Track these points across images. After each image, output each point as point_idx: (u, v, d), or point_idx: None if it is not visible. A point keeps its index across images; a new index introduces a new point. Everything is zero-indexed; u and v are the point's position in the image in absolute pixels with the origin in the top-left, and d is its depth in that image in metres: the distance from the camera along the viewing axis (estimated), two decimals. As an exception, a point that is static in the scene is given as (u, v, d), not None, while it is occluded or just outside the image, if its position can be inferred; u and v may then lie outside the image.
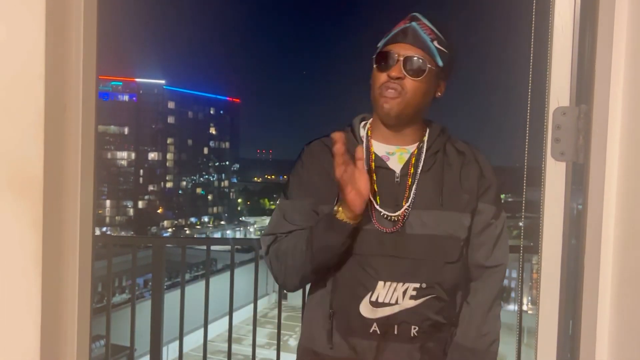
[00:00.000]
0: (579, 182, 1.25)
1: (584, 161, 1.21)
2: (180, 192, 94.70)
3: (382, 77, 1.44)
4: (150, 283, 3.78)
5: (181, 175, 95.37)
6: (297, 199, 1.57)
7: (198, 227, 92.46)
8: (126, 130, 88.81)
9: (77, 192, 1.22)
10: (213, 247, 4.02)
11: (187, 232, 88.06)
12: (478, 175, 1.54)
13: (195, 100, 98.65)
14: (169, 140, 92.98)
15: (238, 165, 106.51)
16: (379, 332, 1.46)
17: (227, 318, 3.51)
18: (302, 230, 1.51)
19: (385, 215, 1.46)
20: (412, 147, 1.54)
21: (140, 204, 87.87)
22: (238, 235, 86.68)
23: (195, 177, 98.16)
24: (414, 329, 1.46)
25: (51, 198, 1.14)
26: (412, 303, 1.45)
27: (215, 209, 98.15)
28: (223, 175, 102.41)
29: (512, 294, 27.79)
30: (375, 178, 1.49)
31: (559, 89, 1.25)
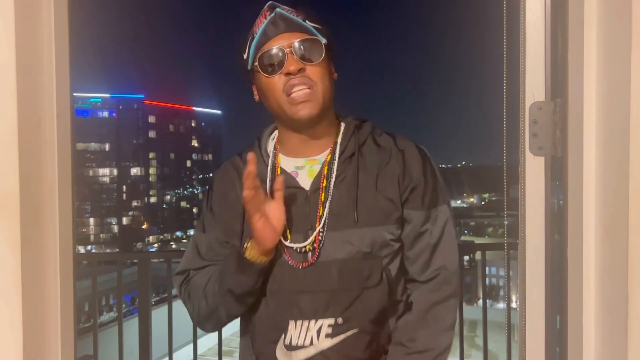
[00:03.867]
0: (558, 176, 1.25)
1: (562, 154, 1.22)
2: (164, 206, 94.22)
3: (277, 80, 1.24)
4: (137, 300, 3.74)
5: (165, 189, 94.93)
6: (209, 231, 1.41)
7: (184, 240, 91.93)
8: (107, 146, 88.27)
9: (56, 208, 1.20)
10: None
11: (174, 246, 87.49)
12: (399, 173, 1.31)
13: (175, 113, 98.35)
14: (151, 155, 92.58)
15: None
16: None
17: (217, 332, 3.47)
18: (214, 267, 1.37)
19: (297, 248, 1.27)
20: (324, 155, 1.33)
21: (125, 221, 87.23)
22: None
23: (179, 191, 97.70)
24: None
25: (28, 215, 1.12)
26: (329, 343, 1.25)
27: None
28: (207, 187, 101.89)
29: (501, 292, 27.93)
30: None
31: (534, 84, 1.26)
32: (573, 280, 1.17)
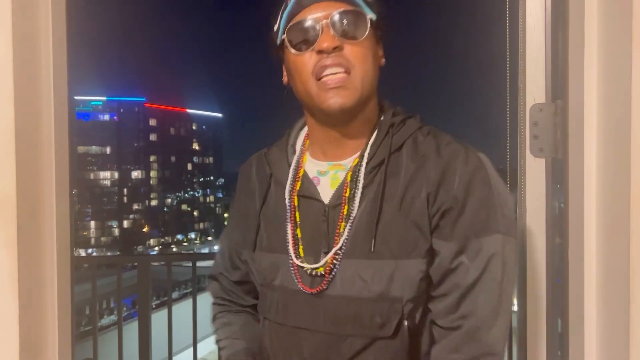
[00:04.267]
0: (559, 178, 1.25)
1: (563, 156, 1.21)
2: (165, 209, 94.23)
3: (308, 59, 1.01)
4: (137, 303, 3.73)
5: (165, 192, 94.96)
6: (229, 236, 1.29)
7: (185, 243, 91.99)
8: (108, 149, 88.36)
9: (53, 211, 1.19)
10: (200, 264, 3.97)
11: (174, 249, 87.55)
12: (431, 191, 1.00)
13: (176, 116, 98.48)
14: (152, 158, 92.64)
15: (223, 180, 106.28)
16: None
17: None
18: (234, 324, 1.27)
19: (308, 270, 1.06)
20: (352, 160, 1.09)
21: (126, 224, 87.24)
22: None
23: (180, 194, 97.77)
24: None
25: (26, 218, 1.11)
26: None
27: (201, 225, 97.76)
28: (208, 190, 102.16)
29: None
30: (297, 215, 1.10)
31: (535, 86, 1.25)
32: (574, 283, 1.17)
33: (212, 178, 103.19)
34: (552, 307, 1.28)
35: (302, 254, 1.08)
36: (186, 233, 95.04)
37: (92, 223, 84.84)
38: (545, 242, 1.28)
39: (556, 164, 1.25)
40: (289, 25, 1.03)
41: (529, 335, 1.32)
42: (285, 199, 1.11)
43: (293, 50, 1.03)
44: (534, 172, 1.27)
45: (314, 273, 1.05)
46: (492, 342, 0.98)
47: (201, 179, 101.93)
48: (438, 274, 1.01)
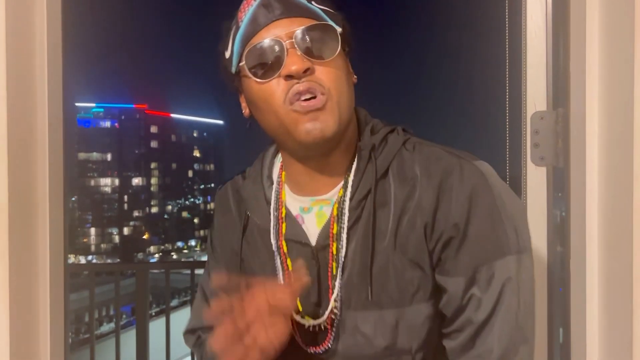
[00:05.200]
0: (560, 186, 1.24)
1: (564, 165, 1.20)
2: (165, 216, 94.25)
3: (276, 86, 0.85)
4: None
5: (166, 199, 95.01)
6: (213, 274, 1.09)
7: (185, 251, 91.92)
8: (109, 156, 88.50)
9: (46, 220, 1.18)
10: (199, 271, 3.96)
11: (174, 256, 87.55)
12: (427, 221, 0.86)
13: (177, 123, 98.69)
14: (153, 165, 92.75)
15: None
16: None
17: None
18: None
19: (309, 327, 0.93)
20: (335, 192, 0.94)
21: (126, 231, 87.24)
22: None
23: (180, 201, 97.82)
24: None
25: (17, 227, 1.10)
26: None
27: (202, 232, 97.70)
28: (209, 197, 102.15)
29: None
30: (287, 261, 0.95)
31: (536, 94, 1.24)
32: (576, 292, 1.15)
33: (212, 185, 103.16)
34: (554, 316, 1.27)
35: (300, 307, 0.94)
36: (186, 240, 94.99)
37: (92, 230, 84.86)
38: (547, 251, 1.27)
39: (557, 172, 1.24)
40: (246, 50, 0.87)
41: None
42: (269, 243, 0.97)
43: (256, 79, 0.87)
44: (535, 180, 1.26)
45: (315, 329, 0.93)
46: None
47: (202, 186, 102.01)
48: (449, 312, 0.88)
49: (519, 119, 1.27)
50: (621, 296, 0.99)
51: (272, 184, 1.00)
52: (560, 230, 1.25)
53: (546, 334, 1.28)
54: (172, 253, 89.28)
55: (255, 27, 0.86)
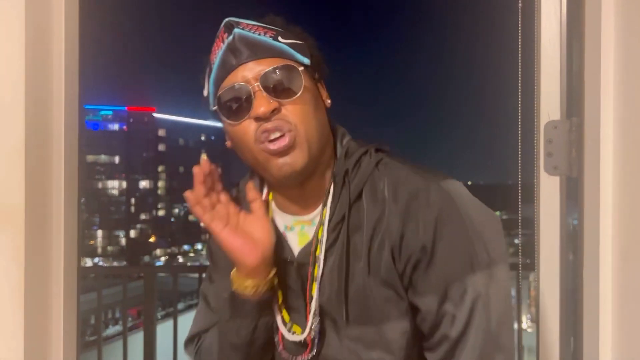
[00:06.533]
0: (573, 196, 1.23)
1: (577, 174, 1.19)
2: (172, 219, 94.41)
3: (248, 127, 0.91)
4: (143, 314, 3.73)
5: (173, 202, 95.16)
6: (216, 280, 1.13)
7: (191, 254, 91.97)
8: (117, 159, 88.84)
9: (61, 222, 1.19)
10: (206, 275, 3.97)
11: (181, 260, 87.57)
12: (395, 243, 0.91)
13: (185, 127, 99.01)
14: (160, 168, 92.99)
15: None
16: None
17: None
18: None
19: (291, 339, 0.99)
20: (316, 214, 1.00)
21: (132, 233, 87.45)
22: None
23: (187, 205, 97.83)
24: None
25: (33, 229, 1.11)
26: None
27: (208, 236, 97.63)
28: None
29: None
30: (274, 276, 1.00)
31: (549, 103, 1.24)
32: (588, 301, 1.15)
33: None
34: (566, 324, 1.26)
35: (287, 319, 1.01)
36: (193, 244, 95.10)
37: (99, 232, 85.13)
38: (559, 260, 1.26)
39: (570, 182, 1.24)
40: (218, 94, 0.94)
41: (541, 354, 1.30)
42: None
43: (229, 121, 0.93)
44: (548, 189, 1.25)
45: (298, 341, 0.98)
46: None
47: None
48: (425, 328, 0.92)
49: (532, 128, 1.27)
50: (634, 305, 0.99)
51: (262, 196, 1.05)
52: (573, 239, 1.24)
53: (558, 343, 1.27)
54: (179, 256, 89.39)
55: (225, 71, 0.93)
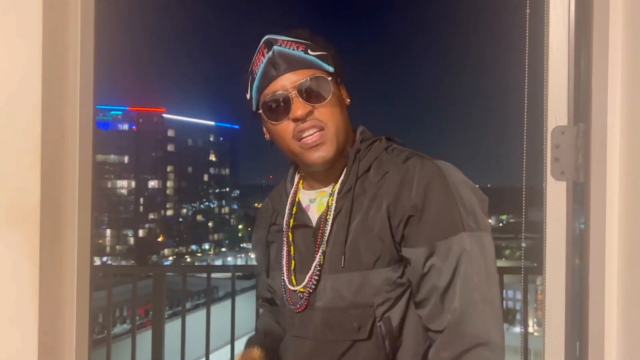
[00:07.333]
0: (580, 201, 1.24)
1: (584, 180, 1.20)
2: (180, 219, 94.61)
3: (286, 127, 1.15)
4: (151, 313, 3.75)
5: (181, 202, 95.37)
6: (258, 268, 1.43)
7: (199, 254, 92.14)
8: (126, 159, 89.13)
9: (75, 222, 1.21)
10: (214, 275, 3.99)
11: (188, 259, 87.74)
12: (390, 203, 1.12)
13: (194, 127, 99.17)
14: (169, 168, 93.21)
15: (238, 192, 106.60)
16: None
17: (229, 347, 3.46)
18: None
19: (296, 291, 1.22)
20: (331, 187, 1.24)
21: (141, 233, 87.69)
22: (239, 261, 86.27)
23: (195, 205, 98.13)
24: None
25: (48, 229, 1.13)
26: None
27: (216, 236, 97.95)
28: (223, 201, 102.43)
29: (517, 316, 27.52)
30: (291, 241, 1.26)
31: (557, 108, 1.24)
32: (594, 306, 1.15)
33: (227, 189, 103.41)
34: (571, 329, 1.27)
35: (293, 279, 1.23)
36: (200, 244, 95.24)
37: (108, 231, 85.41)
38: (566, 264, 1.27)
39: (577, 187, 1.24)
40: (261, 100, 1.17)
41: (547, 357, 1.30)
42: (282, 223, 1.29)
43: (271, 121, 1.17)
44: (555, 194, 1.26)
45: (299, 294, 1.20)
46: (477, 333, 1.02)
47: (217, 190, 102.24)
48: (415, 280, 1.10)
49: (540, 133, 1.28)
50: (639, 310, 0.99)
51: (293, 185, 1.33)
52: (580, 243, 1.25)
53: (563, 347, 1.27)
54: (186, 256, 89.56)
55: (266, 81, 1.16)
